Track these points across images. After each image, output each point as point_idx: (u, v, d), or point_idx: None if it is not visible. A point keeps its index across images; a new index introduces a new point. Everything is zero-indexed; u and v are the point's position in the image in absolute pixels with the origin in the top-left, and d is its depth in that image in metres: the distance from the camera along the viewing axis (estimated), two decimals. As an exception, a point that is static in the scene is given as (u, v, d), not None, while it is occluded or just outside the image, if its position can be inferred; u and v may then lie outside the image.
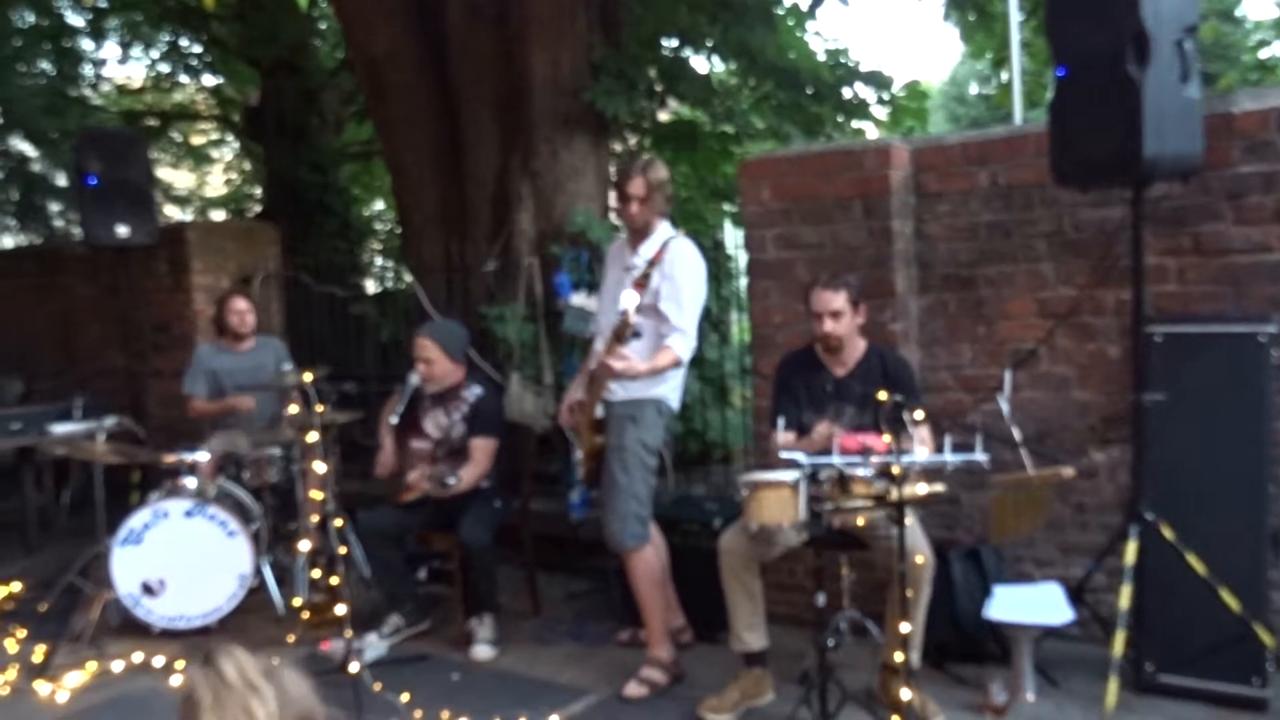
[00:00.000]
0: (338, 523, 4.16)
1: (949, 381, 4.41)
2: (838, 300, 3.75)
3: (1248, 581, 3.45)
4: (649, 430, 3.98)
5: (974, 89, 21.64)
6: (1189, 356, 3.67)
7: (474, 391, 4.67)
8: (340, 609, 3.90)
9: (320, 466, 4.19)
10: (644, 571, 4.03)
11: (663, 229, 4.02)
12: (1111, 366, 4.05)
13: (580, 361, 4.62)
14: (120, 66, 13.19)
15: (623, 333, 3.74)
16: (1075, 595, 3.80)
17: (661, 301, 3.91)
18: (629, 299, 3.74)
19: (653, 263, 3.94)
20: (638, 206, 3.95)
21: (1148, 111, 3.31)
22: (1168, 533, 3.52)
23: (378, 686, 3.96)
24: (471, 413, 4.63)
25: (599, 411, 4.03)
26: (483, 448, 4.58)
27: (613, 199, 5.57)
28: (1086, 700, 3.59)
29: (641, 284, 3.92)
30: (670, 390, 4.07)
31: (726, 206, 7.93)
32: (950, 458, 3.39)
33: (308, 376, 4.42)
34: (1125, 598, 3.48)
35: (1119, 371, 4.00)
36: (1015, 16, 7.34)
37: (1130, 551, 3.53)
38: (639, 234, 4.03)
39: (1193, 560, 3.46)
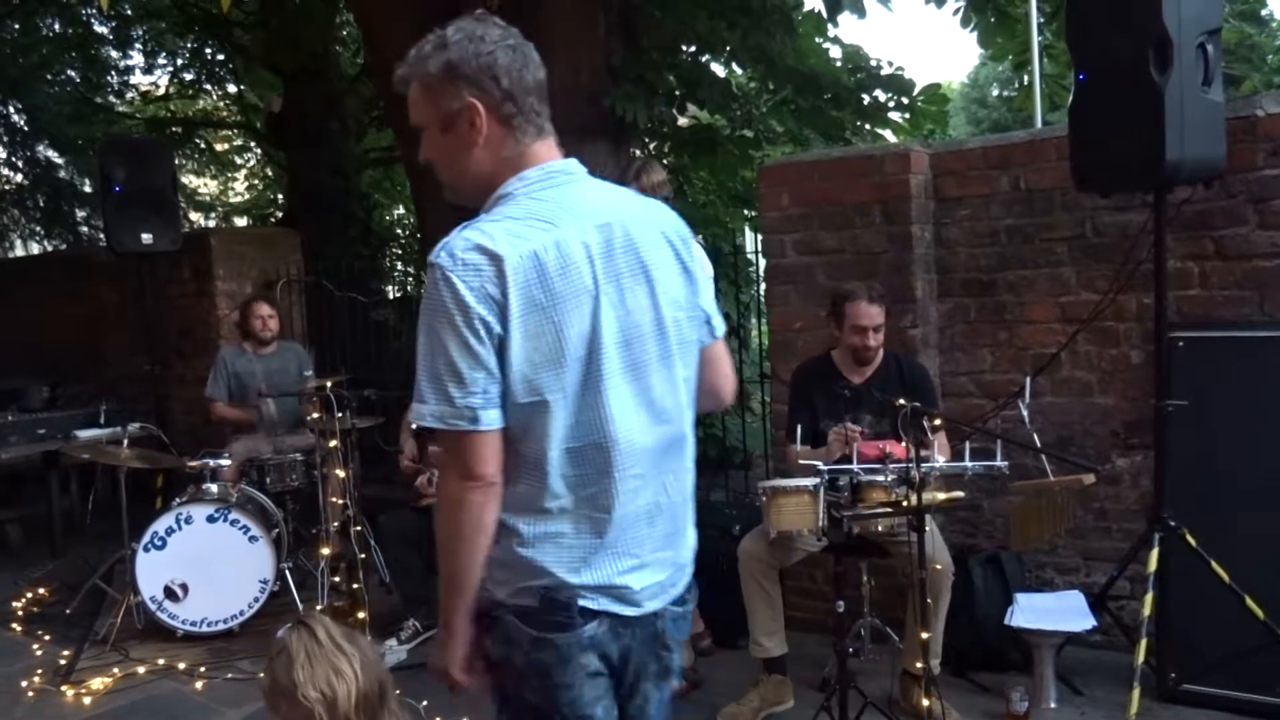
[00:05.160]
0: (358, 528, 4.18)
1: (969, 387, 4.39)
2: (881, 315, 3.76)
3: (1273, 589, 3.41)
4: None
5: (995, 91, 21.55)
6: (1212, 361, 3.64)
7: None
8: (360, 614, 3.92)
9: (341, 472, 4.21)
10: None
11: None
12: (1134, 372, 4.02)
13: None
14: (145, 74, 13.35)
15: None
16: (1098, 602, 3.78)
17: None
18: None
19: None
20: None
21: (1170, 115, 3.29)
22: (1191, 539, 3.49)
23: (396, 691, 3.97)
24: None
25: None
26: None
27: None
28: (1109, 708, 3.56)
29: None
30: None
31: (746, 211, 7.92)
32: (970, 464, 3.38)
33: (329, 382, 4.45)
34: (1148, 605, 3.45)
35: (1141, 377, 3.97)
36: (1036, 19, 7.30)
37: (1153, 558, 3.50)
38: None
39: (1217, 567, 3.43)
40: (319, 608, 4.83)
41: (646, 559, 1.82)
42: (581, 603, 1.76)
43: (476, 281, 1.67)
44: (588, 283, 1.74)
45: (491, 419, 1.70)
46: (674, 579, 1.88)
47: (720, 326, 1.99)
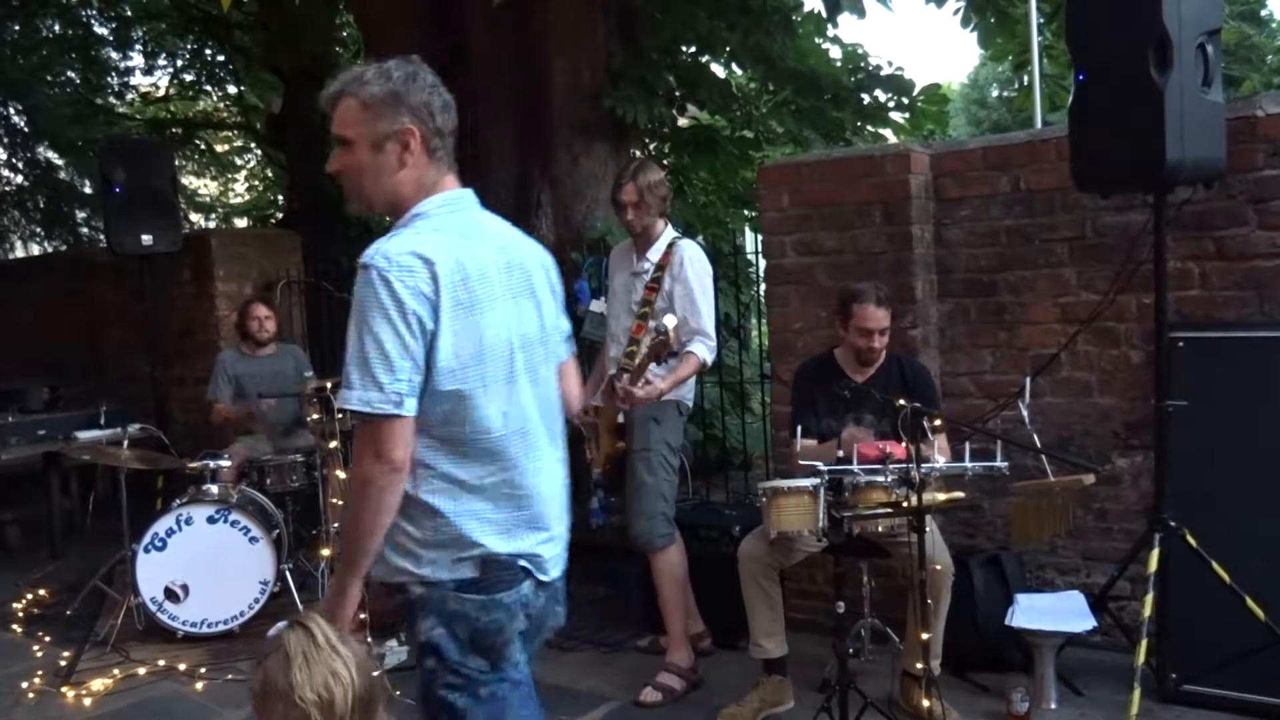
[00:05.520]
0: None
1: (970, 388, 4.39)
2: (887, 318, 3.76)
3: (1274, 589, 3.41)
4: (671, 431, 4.01)
5: (995, 91, 21.57)
6: (1212, 362, 3.64)
7: None
8: (361, 615, 3.91)
9: (342, 473, 4.21)
10: (669, 571, 4.03)
11: (665, 231, 4.06)
12: (1134, 372, 4.02)
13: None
14: (145, 75, 13.36)
15: (660, 353, 3.72)
16: (1098, 602, 3.78)
17: (678, 307, 3.92)
18: (670, 320, 3.72)
19: (661, 266, 3.97)
20: (632, 212, 4.00)
21: (1170, 116, 3.28)
22: (1191, 539, 3.49)
23: (397, 692, 3.97)
24: None
25: (619, 416, 4.04)
26: None
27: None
28: (1109, 709, 3.56)
29: (653, 288, 3.96)
30: (689, 390, 4.09)
31: (746, 211, 7.93)
32: (970, 464, 3.38)
33: (329, 383, 4.45)
34: (1148, 605, 3.45)
35: (1141, 377, 3.97)
36: (1036, 19, 7.29)
37: (1153, 558, 3.49)
38: (641, 238, 4.07)
39: (1217, 568, 3.43)
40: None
41: (555, 533, 2.16)
42: (519, 563, 2.05)
43: (412, 281, 1.92)
44: (498, 291, 2.05)
45: (411, 406, 1.93)
46: (564, 550, 2.23)
47: (572, 345, 2.38)
